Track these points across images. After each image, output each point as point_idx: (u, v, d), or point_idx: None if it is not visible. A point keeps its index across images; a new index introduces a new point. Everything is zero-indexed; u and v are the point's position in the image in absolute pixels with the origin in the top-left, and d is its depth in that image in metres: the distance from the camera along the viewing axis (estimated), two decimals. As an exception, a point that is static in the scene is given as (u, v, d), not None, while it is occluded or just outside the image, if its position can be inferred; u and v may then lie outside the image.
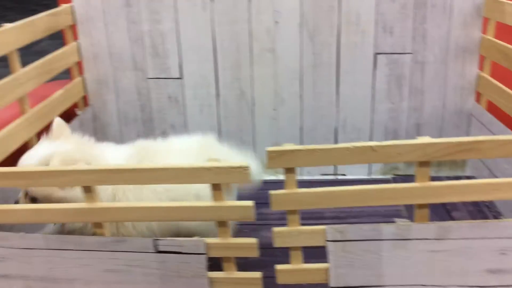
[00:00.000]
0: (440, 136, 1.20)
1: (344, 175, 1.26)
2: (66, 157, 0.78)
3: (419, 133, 1.21)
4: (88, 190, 0.72)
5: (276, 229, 0.74)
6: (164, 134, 1.25)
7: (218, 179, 0.70)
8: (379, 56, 1.17)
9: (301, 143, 1.24)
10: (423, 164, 0.70)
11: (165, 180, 0.71)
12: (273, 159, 0.70)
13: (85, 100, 1.22)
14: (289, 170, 0.71)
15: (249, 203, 0.71)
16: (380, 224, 0.73)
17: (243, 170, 0.68)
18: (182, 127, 1.24)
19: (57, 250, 0.75)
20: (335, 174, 1.26)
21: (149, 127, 1.24)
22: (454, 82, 1.17)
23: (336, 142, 1.24)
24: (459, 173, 1.22)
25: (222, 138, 1.25)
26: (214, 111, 1.23)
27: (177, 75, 1.21)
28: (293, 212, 0.74)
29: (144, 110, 1.23)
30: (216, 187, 0.71)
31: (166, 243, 0.73)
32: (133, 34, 1.18)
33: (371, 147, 0.69)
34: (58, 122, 0.88)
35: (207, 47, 1.19)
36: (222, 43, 1.18)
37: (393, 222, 0.74)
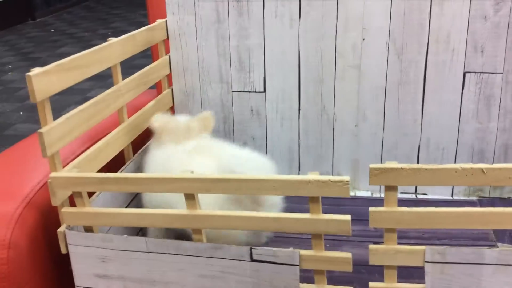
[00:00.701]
0: (530, 159, 1.16)
1: (425, 194, 1.23)
2: None
3: (507, 155, 1.17)
4: (190, 197, 0.74)
5: (373, 246, 0.74)
6: (244, 145, 1.28)
7: (318, 192, 0.70)
8: (468, 75, 1.15)
9: (382, 160, 1.23)
10: (532, 188, 0.68)
11: (265, 191, 0.72)
12: (375, 176, 0.70)
13: (172, 111, 1.27)
14: (391, 188, 0.71)
15: (347, 217, 0.71)
16: (482, 248, 0.71)
17: (343, 184, 0.69)
18: (262, 140, 1.27)
19: (156, 254, 0.78)
20: (415, 193, 1.24)
21: (230, 138, 1.27)
22: (547, 103, 1.13)
23: (418, 161, 1.22)
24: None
25: (301, 152, 1.26)
26: (295, 125, 1.25)
27: (261, 89, 1.24)
28: (391, 230, 0.73)
29: (227, 121, 1.27)
30: (314, 200, 0.71)
31: (261, 252, 0.74)
32: (221, 49, 1.22)
33: (481, 169, 0.68)
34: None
35: (292, 62, 1.21)
36: (307, 59, 1.20)
37: (495, 246, 0.73)
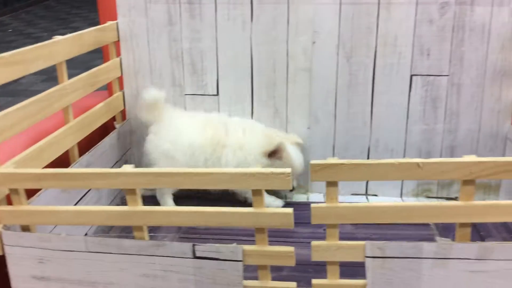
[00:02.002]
0: (475, 159, 1.19)
1: (375, 195, 1.25)
2: None
3: (453, 156, 1.20)
4: (131, 193, 0.73)
5: (315, 242, 0.74)
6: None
7: (261, 185, 0.70)
8: (415, 78, 1.18)
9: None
10: (468, 182, 0.70)
11: (210, 185, 0.72)
12: (317, 172, 0.71)
13: (123, 114, 1.25)
14: (332, 184, 0.72)
15: (289, 210, 0.71)
16: (421, 242, 0.73)
17: (285, 176, 0.69)
18: (216, 143, 1.26)
19: (96, 253, 0.76)
20: (366, 194, 1.25)
21: (184, 141, 1.26)
22: (490, 105, 1.17)
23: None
24: (492, 197, 1.21)
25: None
26: (248, 128, 1.25)
27: (214, 92, 1.24)
28: (333, 226, 0.74)
29: (180, 125, 1.25)
30: (257, 193, 0.71)
31: (204, 248, 0.74)
32: (173, 52, 1.21)
33: (417, 163, 0.70)
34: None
35: (244, 65, 1.21)
36: (259, 62, 1.21)
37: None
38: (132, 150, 1.28)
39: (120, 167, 1.19)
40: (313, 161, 0.70)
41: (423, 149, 1.22)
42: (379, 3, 1.14)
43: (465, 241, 0.73)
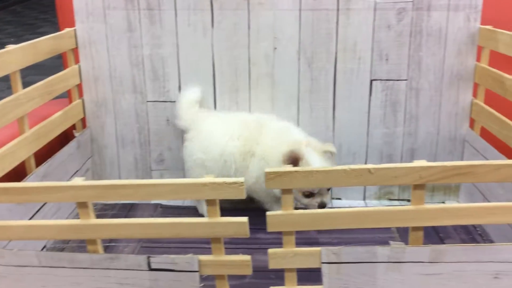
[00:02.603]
0: (434, 161, 1.21)
1: (339, 199, 1.26)
2: None
3: (413, 158, 1.22)
4: (83, 206, 0.72)
5: (272, 250, 0.74)
6: (160, 156, 1.26)
7: (215, 195, 0.70)
8: (375, 83, 1.19)
9: (298, 167, 1.25)
10: (418, 187, 0.71)
11: (162, 196, 0.71)
12: (271, 180, 0.71)
13: (83, 122, 1.23)
14: (287, 191, 0.72)
15: (244, 219, 0.71)
16: (375, 246, 0.74)
17: (238, 185, 0.69)
18: (179, 150, 1.25)
19: (50, 268, 0.75)
20: (331, 198, 1.26)
21: (146, 149, 1.25)
22: (448, 108, 1.19)
23: (332, 166, 1.24)
24: (453, 198, 1.23)
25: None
26: (211, 134, 1.24)
27: (176, 99, 1.23)
28: (289, 233, 0.74)
29: (142, 132, 1.24)
30: (211, 203, 0.71)
31: (159, 260, 0.73)
32: (134, 58, 1.20)
33: (368, 169, 0.70)
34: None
35: (206, 71, 1.21)
36: (221, 68, 1.20)
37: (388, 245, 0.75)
38: (93, 158, 1.26)
39: (79, 176, 1.18)
40: (267, 169, 0.71)
41: (385, 152, 1.23)
42: (338, 9, 1.15)
43: (418, 244, 0.74)
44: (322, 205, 1.01)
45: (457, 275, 0.73)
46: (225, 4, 1.16)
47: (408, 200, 1.23)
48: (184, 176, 1.26)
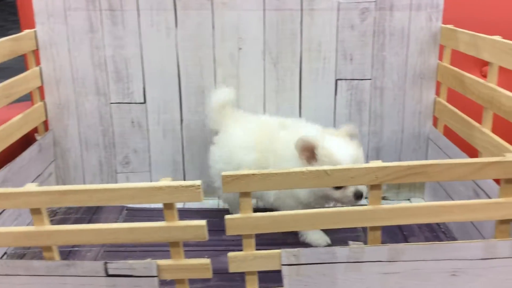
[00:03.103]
0: (399, 159, 1.22)
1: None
2: None
3: (379, 157, 1.24)
4: (36, 212, 0.70)
5: (232, 254, 0.74)
6: (126, 159, 1.24)
7: (171, 199, 0.69)
8: (340, 82, 1.20)
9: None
10: (375, 187, 0.72)
11: (117, 201, 0.70)
12: (229, 184, 0.71)
13: (45, 125, 1.21)
14: (245, 195, 0.72)
15: (202, 222, 0.71)
16: (334, 247, 0.74)
17: (195, 188, 0.69)
18: (145, 152, 1.24)
19: (5, 276, 0.73)
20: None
21: (111, 152, 1.23)
22: (412, 107, 1.20)
23: (299, 166, 1.25)
24: (418, 195, 1.25)
25: (186, 163, 1.25)
26: (178, 136, 1.23)
27: (141, 100, 1.21)
28: (248, 236, 0.74)
29: (106, 135, 1.22)
30: (168, 207, 0.70)
31: (116, 266, 0.72)
32: (96, 59, 1.18)
33: (325, 171, 0.71)
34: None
35: (171, 71, 1.20)
36: (186, 68, 1.19)
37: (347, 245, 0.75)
38: (57, 162, 1.24)
39: (42, 181, 1.16)
40: (224, 173, 0.70)
41: (351, 151, 1.24)
42: (302, 9, 1.15)
43: (376, 244, 0.74)
44: (358, 195, 0.90)
45: (415, 273, 0.74)
46: (189, 4, 1.15)
47: (384, 198, 1.24)
48: (151, 179, 1.25)
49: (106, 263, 0.72)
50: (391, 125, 1.22)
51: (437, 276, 0.74)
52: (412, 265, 0.74)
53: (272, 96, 1.21)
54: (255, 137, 1.05)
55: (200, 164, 1.25)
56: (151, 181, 1.25)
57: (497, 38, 0.88)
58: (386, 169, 0.70)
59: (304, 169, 0.70)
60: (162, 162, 1.25)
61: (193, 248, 0.99)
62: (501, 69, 0.90)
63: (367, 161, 1.23)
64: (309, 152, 0.92)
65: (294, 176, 0.70)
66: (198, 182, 0.68)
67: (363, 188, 0.91)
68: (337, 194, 0.91)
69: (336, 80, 1.20)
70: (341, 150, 0.92)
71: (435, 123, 1.20)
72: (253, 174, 0.70)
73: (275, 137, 1.03)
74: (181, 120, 1.23)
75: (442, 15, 1.14)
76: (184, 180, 1.23)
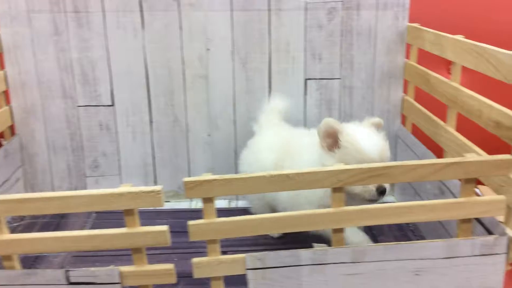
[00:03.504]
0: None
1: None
2: None
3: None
4: (-4, 223, 0.69)
5: (196, 259, 0.74)
6: (95, 162, 1.23)
7: (132, 204, 0.69)
8: (309, 82, 1.20)
9: (235, 167, 1.24)
10: (337, 190, 0.72)
11: (77, 208, 0.69)
12: (191, 190, 0.70)
13: (11, 130, 1.19)
14: (207, 200, 0.71)
15: (164, 227, 0.70)
16: (298, 250, 0.74)
17: (155, 194, 0.68)
18: (114, 155, 1.23)
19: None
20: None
21: (79, 156, 1.22)
22: (380, 105, 1.21)
23: (271, 166, 1.25)
24: (389, 193, 1.25)
25: (157, 165, 1.24)
26: (147, 138, 1.22)
27: (109, 103, 1.20)
28: (213, 241, 0.73)
29: (74, 138, 1.21)
30: (129, 213, 0.70)
31: (78, 274, 0.71)
32: (62, 62, 1.16)
33: (287, 175, 0.71)
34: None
35: (139, 73, 1.18)
36: (154, 70, 1.18)
37: (311, 247, 0.75)
38: (24, 167, 1.21)
39: (10, 186, 1.14)
40: (186, 179, 0.70)
41: (322, 151, 1.24)
42: (269, 10, 1.15)
43: (340, 246, 0.74)
44: (381, 190, 0.82)
45: (379, 273, 0.75)
46: (155, 5, 1.14)
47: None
48: (121, 182, 1.24)
49: (67, 271, 0.71)
50: (361, 123, 1.22)
51: (401, 275, 0.75)
52: (376, 266, 0.74)
53: (241, 96, 1.21)
54: (280, 141, 1.01)
55: (172, 166, 1.24)
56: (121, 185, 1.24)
57: (460, 37, 0.89)
58: (349, 172, 0.70)
59: (266, 173, 0.70)
60: (132, 165, 1.24)
61: (176, 251, 1.00)
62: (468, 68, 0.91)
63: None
64: (332, 138, 0.86)
65: (256, 181, 0.70)
66: (158, 188, 0.68)
67: (386, 185, 0.84)
68: (358, 189, 0.83)
69: (306, 80, 1.20)
70: (367, 138, 0.85)
71: (403, 121, 1.21)
72: (214, 180, 0.70)
73: (296, 141, 0.98)
74: (151, 122, 1.21)
75: (408, 14, 1.15)
76: (156, 182, 1.25)
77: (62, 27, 1.14)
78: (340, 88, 1.20)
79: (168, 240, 0.71)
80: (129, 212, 0.69)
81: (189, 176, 1.25)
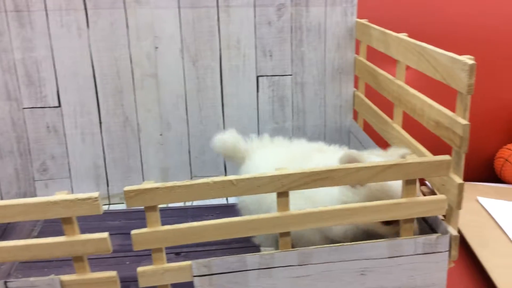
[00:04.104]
0: (323, 154, 1.24)
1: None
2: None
3: (304, 152, 1.25)
4: None
5: (141, 269, 0.72)
6: (43, 166, 1.19)
7: (68, 213, 0.67)
8: (261, 79, 1.19)
9: (190, 166, 1.23)
10: (282, 194, 0.72)
11: (11, 218, 0.67)
12: (132, 198, 0.69)
13: (-48, 135, 1.14)
14: (150, 208, 0.70)
15: (104, 234, 0.69)
16: (244, 255, 0.74)
17: (92, 201, 0.66)
18: (64, 158, 1.19)
19: None
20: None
21: (27, 159, 1.18)
22: (332, 101, 1.22)
23: (225, 164, 1.24)
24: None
25: (108, 167, 1.22)
26: (97, 139, 1.19)
27: (55, 104, 1.16)
28: (157, 250, 0.72)
29: (21, 141, 1.17)
30: (67, 221, 0.68)
31: (18, 284, 0.69)
32: (5, 63, 1.12)
33: (230, 181, 0.70)
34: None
35: (86, 73, 1.15)
36: (102, 69, 1.15)
37: (258, 251, 0.75)
38: (-32, 173, 1.17)
39: None
40: (126, 188, 0.68)
41: (276, 147, 1.25)
42: (218, 6, 1.13)
43: (287, 249, 0.75)
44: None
45: (325, 275, 0.75)
46: (100, 3, 1.11)
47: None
48: (71, 185, 1.21)
49: (6, 282, 0.69)
50: (314, 119, 1.23)
51: (347, 276, 0.76)
52: (322, 267, 0.75)
53: (193, 95, 1.19)
54: (286, 157, 0.90)
55: (124, 167, 1.22)
56: (71, 188, 1.21)
57: (403, 36, 0.89)
58: (291, 176, 0.70)
59: (209, 180, 0.70)
60: (83, 168, 1.21)
61: (129, 254, 0.98)
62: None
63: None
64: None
65: (199, 188, 0.70)
66: (95, 194, 0.66)
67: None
68: (384, 229, 0.76)
69: (257, 77, 1.19)
70: None
71: (355, 117, 1.22)
72: (156, 188, 0.69)
73: (307, 157, 0.88)
74: (100, 123, 1.19)
75: (356, 9, 1.15)
76: (108, 184, 1.22)
77: (3, 27, 1.09)
78: (292, 84, 1.20)
79: (109, 247, 0.69)
80: (66, 220, 0.67)
81: (143, 176, 1.24)
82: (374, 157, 0.79)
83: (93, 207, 0.67)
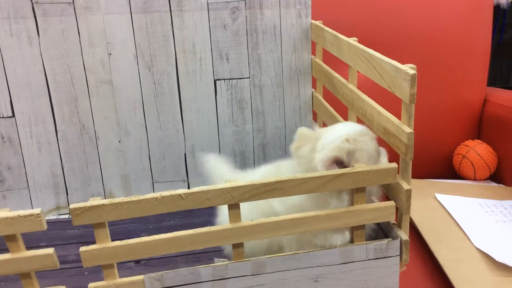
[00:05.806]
0: (284, 155, 1.24)
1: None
2: None
3: (265, 153, 1.25)
4: None
5: (92, 284, 0.72)
6: (0, 176, 1.17)
7: (12, 230, 0.66)
8: (218, 82, 1.18)
9: (151, 172, 1.22)
10: (232, 206, 0.72)
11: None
12: (78, 216, 0.68)
13: None
14: (99, 225, 0.69)
15: (49, 250, 0.68)
16: (198, 267, 0.74)
17: (35, 217, 0.65)
18: (21, 168, 1.17)
19: None
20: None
21: (-19, 171, 1.15)
22: (291, 102, 1.22)
23: (186, 168, 1.23)
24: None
25: (67, 176, 1.19)
26: (54, 148, 1.17)
27: (9, 114, 1.13)
28: (108, 266, 0.72)
29: (-27, 154, 1.14)
30: (10, 239, 0.67)
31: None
32: (-49, 74, 1.08)
33: (180, 195, 0.70)
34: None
35: (39, 82, 1.12)
36: (55, 77, 1.13)
37: (212, 262, 0.75)
38: None
39: None
40: (72, 205, 0.67)
41: (237, 149, 1.24)
42: (171, 11, 1.12)
43: (240, 259, 0.75)
44: None
45: (280, 283, 0.76)
46: (49, 10, 1.08)
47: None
48: (30, 196, 1.19)
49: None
50: (273, 121, 1.23)
51: (302, 283, 0.76)
52: (277, 276, 0.75)
53: (151, 100, 1.18)
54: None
55: (83, 176, 1.20)
56: (30, 198, 1.19)
57: (353, 40, 0.90)
58: (241, 188, 0.70)
59: (158, 195, 0.69)
60: (41, 177, 1.18)
61: None
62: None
63: (253, 158, 1.25)
64: (339, 165, 0.75)
65: (148, 203, 0.69)
66: (37, 211, 0.65)
67: None
68: None
69: (215, 81, 1.18)
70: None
71: (315, 117, 1.22)
72: (103, 204, 0.68)
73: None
74: (56, 131, 1.16)
75: (310, 11, 1.15)
76: (67, 193, 1.20)
77: None
78: (250, 87, 1.20)
79: (56, 263, 0.69)
80: (10, 237, 0.66)
81: (103, 184, 1.22)
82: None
83: (35, 223, 0.66)
